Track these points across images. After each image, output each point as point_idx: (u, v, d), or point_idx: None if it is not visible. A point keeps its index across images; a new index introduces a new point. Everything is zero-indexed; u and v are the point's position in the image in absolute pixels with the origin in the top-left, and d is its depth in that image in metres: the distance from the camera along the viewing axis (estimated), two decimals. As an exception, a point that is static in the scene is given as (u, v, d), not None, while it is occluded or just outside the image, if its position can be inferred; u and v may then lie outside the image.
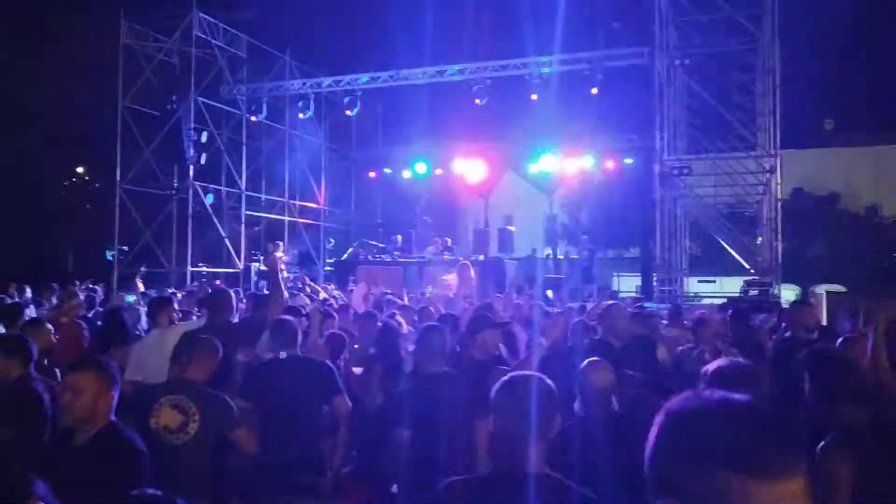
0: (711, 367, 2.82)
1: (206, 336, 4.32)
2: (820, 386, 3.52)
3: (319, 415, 4.57)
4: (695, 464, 1.08)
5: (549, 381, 2.38)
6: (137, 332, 7.09)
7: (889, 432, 3.02)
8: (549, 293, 14.23)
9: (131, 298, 9.24)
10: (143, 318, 7.97)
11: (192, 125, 18.25)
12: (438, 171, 21.98)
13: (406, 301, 11.01)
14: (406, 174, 22.36)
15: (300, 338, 4.83)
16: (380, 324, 6.34)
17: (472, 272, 12.46)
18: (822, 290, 21.25)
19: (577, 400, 3.65)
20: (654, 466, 1.14)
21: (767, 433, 1.11)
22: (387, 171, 22.64)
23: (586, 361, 3.81)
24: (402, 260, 18.20)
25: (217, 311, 5.37)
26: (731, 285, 17.76)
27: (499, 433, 2.32)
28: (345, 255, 21.16)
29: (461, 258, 17.40)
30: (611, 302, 6.57)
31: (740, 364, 2.87)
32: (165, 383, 4.16)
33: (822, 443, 3.41)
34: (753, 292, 15.54)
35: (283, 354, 4.59)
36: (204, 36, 18.62)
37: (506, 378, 2.41)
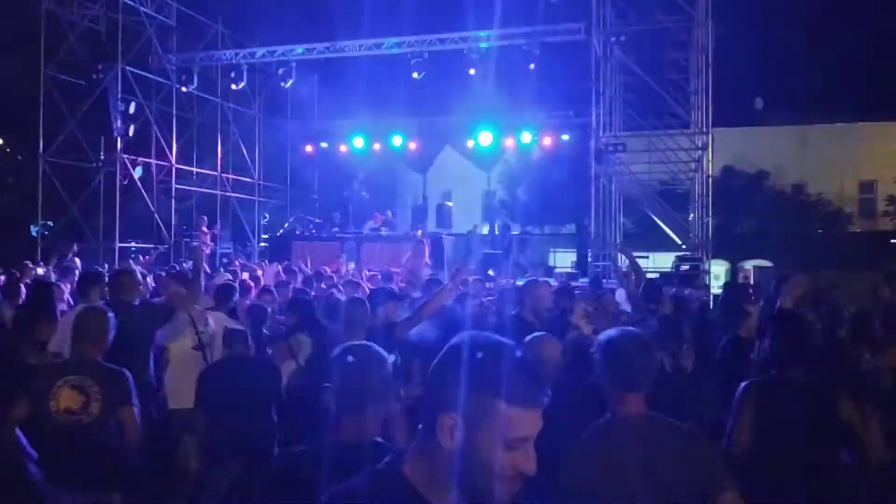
0: (603, 336, 2.90)
1: (96, 309, 4.16)
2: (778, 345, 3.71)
3: None
4: (474, 389, 1.46)
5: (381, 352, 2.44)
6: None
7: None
8: (491, 271, 14.26)
9: (41, 271, 9.04)
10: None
11: (120, 95, 17.62)
12: (376, 146, 21.75)
13: (343, 276, 10.99)
14: (343, 148, 22.07)
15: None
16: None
17: (427, 248, 12.49)
18: (750, 264, 21.97)
19: None
20: (444, 388, 1.50)
21: (524, 374, 1.49)
22: (323, 145, 22.29)
23: (531, 336, 3.86)
24: (339, 235, 18.02)
25: (118, 290, 5.27)
26: (665, 260, 18.09)
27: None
28: (280, 231, 20.88)
29: (418, 233, 17.39)
30: (532, 279, 6.68)
31: (629, 332, 2.96)
32: (63, 364, 3.97)
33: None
34: (685, 267, 15.86)
35: None
36: (131, 2, 17.92)
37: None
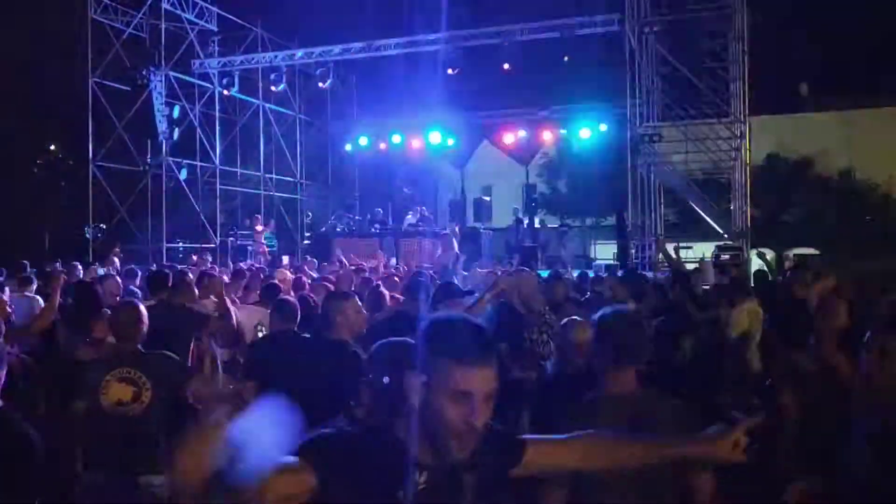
0: (596, 314, 2.97)
1: (126, 304, 4.36)
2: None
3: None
4: (433, 352, 1.74)
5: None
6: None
7: None
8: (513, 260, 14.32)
9: (101, 271, 9.36)
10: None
11: (164, 100, 18.11)
12: (415, 143, 21.94)
13: (382, 272, 11.16)
14: (382, 146, 22.31)
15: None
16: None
17: (456, 242, 12.60)
18: (794, 253, 21.61)
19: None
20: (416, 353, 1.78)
21: (469, 337, 1.74)
22: (363, 143, 22.56)
23: (567, 319, 4.01)
24: (377, 231, 18.25)
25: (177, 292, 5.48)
26: (707, 250, 17.93)
27: None
28: (323, 228, 21.21)
29: (446, 229, 17.55)
30: (520, 269, 6.79)
31: (621, 309, 3.10)
32: (107, 359, 4.12)
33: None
34: (725, 257, 15.73)
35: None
36: (173, 9, 18.40)
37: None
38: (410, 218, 18.50)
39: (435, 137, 21.34)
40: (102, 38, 18.36)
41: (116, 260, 13.25)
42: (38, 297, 7.65)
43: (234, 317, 5.93)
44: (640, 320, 3.00)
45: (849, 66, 25.71)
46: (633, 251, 16.94)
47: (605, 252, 24.08)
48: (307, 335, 4.80)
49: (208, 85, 19.90)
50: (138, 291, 7.48)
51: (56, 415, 4.21)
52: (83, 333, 5.49)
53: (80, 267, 10.33)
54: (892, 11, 22.08)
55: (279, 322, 4.83)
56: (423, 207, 19.36)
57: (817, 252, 23.32)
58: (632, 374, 2.78)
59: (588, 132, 20.24)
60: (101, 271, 9.56)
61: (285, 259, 17.25)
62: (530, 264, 14.03)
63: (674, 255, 8.15)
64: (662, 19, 15.95)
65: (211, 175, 19.91)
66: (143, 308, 4.16)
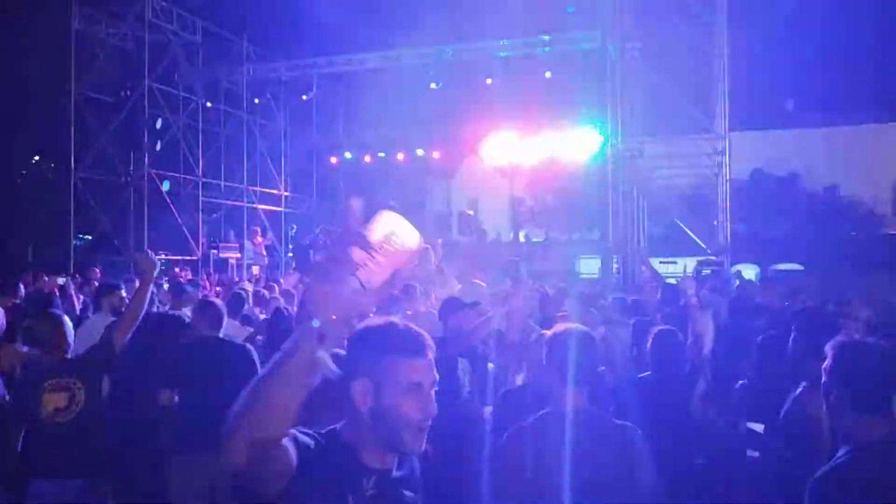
0: (550, 332, 3.03)
1: (46, 313, 4.36)
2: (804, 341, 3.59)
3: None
4: (378, 353, 1.81)
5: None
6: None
7: None
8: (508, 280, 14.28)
9: (61, 281, 9.36)
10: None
11: (148, 111, 18.06)
12: (401, 156, 21.93)
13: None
14: (368, 159, 22.29)
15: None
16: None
17: (433, 256, 12.48)
18: (780, 268, 21.65)
19: None
20: (354, 360, 1.84)
21: (407, 334, 1.85)
22: (348, 155, 22.54)
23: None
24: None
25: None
26: (691, 266, 17.94)
27: None
28: (307, 241, 21.12)
29: (434, 242, 17.46)
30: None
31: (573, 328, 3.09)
32: (40, 374, 4.11)
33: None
34: (706, 272, 15.75)
35: None
36: (158, 21, 18.37)
37: None
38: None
39: (420, 150, 21.34)
40: (86, 50, 18.31)
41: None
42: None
43: None
44: (592, 339, 2.99)
45: (834, 82, 25.86)
46: (617, 266, 16.94)
47: (590, 266, 24.08)
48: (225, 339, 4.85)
49: (192, 97, 19.86)
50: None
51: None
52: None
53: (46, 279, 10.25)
54: (877, 28, 22.26)
55: (203, 327, 4.77)
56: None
57: (801, 268, 23.37)
58: (582, 392, 2.79)
59: (573, 147, 20.25)
60: (59, 281, 9.53)
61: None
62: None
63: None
64: (645, 35, 16.02)
65: (194, 187, 19.83)
66: (64, 318, 4.18)
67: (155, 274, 4.53)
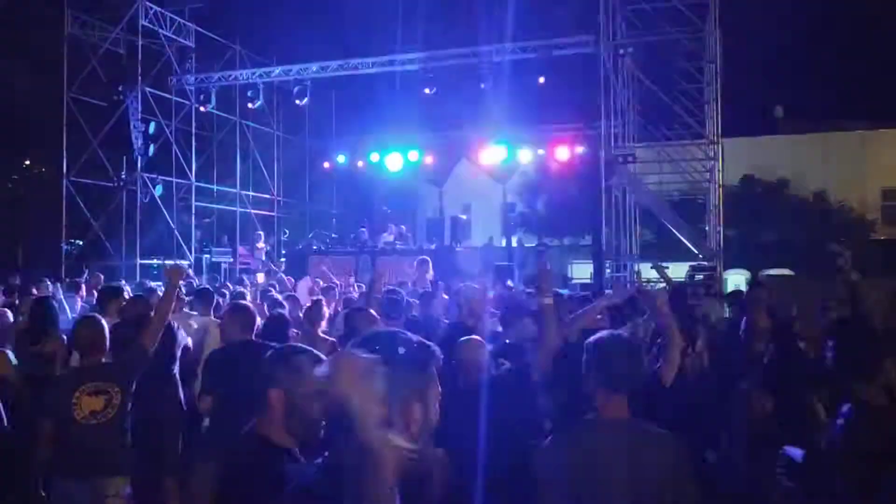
0: (592, 338, 2.99)
1: (89, 317, 4.41)
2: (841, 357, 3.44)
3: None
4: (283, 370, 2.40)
5: None
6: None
7: None
8: (510, 282, 14.36)
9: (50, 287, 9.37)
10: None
11: (140, 116, 18.03)
12: (393, 161, 21.94)
13: (355, 290, 11.14)
14: (360, 164, 22.30)
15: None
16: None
17: (430, 268, 12.60)
18: (770, 274, 21.78)
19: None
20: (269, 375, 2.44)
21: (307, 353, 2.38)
22: (341, 160, 22.55)
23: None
24: (353, 250, 18.19)
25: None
26: (682, 271, 18.04)
27: None
28: (300, 246, 21.12)
29: (422, 253, 17.50)
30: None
31: (617, 335, 3.08)
32: (74, 375, 4.19)
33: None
34: (698, 277, 15.83)
35: None
36: (150, 25, 18.36)
37: None
38: (387, 236, 18.46)
39: (413, 155, 21.35)
40: (79, 54, 18.28)
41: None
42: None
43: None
44: (638, 347, 3.00)
45: (823, 88, 26.09)
46: (609, 271, 17.00)
47: (581, 272, 24.15)
48: (266, 342, 4.83)
49: (185, 101, 19.84)
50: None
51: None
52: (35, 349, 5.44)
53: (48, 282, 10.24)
54: (867, 35, 22.49)
55: (235, 331, 4.79)
56: (403, 226, 19.34)
57: (791, 273, 23.51)
58: (624, 400, 2.80)
59: (565, 152, 20.34)
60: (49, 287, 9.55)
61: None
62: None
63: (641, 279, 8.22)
64: (637, 41, 16.11)
65: (186, 191, 19.81)
66: (104, 322, 4.25)
67: (179, 281, 4.68)
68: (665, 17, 16.02)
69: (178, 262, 5.35)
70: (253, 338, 4.87)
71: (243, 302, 5.63)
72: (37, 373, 5.17)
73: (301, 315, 7.32)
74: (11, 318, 7.33)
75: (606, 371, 2.78)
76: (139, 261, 18.03)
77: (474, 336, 4.30)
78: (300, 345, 2.65)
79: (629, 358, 2.84)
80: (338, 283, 11.88)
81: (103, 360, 4.25)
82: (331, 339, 6.36)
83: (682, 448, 2.75)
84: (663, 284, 8.46)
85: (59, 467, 3.96)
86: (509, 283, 14.80)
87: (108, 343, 4.29)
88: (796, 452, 3.89)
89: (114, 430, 4.04)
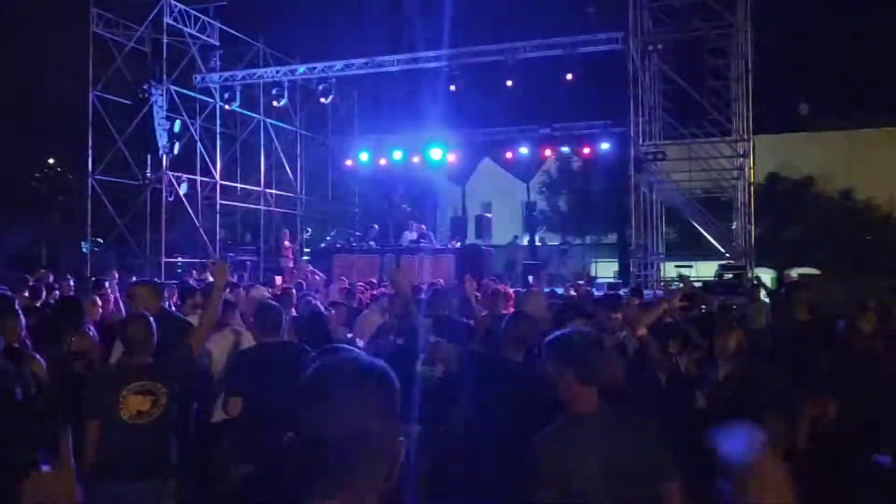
0: (554, 334, 3.04)
1: (139, 315, 4.33)
2: None
3: None
4: None
5: None
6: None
7: None
8: (531, 278, 14.28)
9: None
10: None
11: (165, 114, 18.05)
12: (415, 159, 21.87)
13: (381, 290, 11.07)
14: (383, 162, 22.25)
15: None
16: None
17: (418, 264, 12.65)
18: (796, 272, 21.56)
19: None
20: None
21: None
22: (363, 158, 22.50)
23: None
24: (377, 248, 18.13)
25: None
26: (708, 269, 17.86)
27: None
28: (323, 244, 21.10)
29: (446, 252, 17.46)
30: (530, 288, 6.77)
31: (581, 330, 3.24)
32: (121, 374, 4.11)
33: None
34: (728, 276, 15.67)
35: None
36: (175, 23, 18.38)
37: None
38: (410, 234, 18.39)
39: (436, 154, 21.25)
40: (104, 52, 18.32)
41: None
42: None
43: None
44: (601, 340, 3.01)
45: (850, 85, 25.79)
46: (635, 270, 16.85)
47: (605, 270, 24.02)
48: (294, 344, 4.77)
49: (209, 99, 19.84)
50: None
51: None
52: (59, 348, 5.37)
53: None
54: (892, 32, 22.19)
55: (262, 333, 4.71)
56: (423, 225, 19.27)
57: (818, 272, 23.28)
58: (594, 392, 2.81)
59: (589, 150, 20.20)
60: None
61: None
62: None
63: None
64: (665, 37, 15.95)
65: (211, 190, 19.81)
66: (151, 320, 4.16)
67: (225, 281, 4.60)
68: (693, 12, 15.87)
69: (218, 259, 5.16)
70: (285, 338, 4.79)
71: (271, 301, 5.54)
72: (67, 371, 5.10)
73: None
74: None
75: (579, 365, 2.79)
76: (164, 259, 18.04)
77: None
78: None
79: (598, 351, 2.91)
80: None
81: (149, 359, 4.17)
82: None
83: (655, 433, 2.80)
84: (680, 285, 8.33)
85: (108, 469, 3.89)
86: (530, 278, 14.72)
87: (154, 343, 4.22)
88: (885, 459, 3.79)
89: (161, 431, 3.98)
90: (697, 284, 13.43)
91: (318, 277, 13.87)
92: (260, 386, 4.31)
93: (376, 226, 19.35)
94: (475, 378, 3.85)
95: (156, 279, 12.61)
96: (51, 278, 10.57)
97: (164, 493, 3.91)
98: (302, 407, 1.35)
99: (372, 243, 18.50)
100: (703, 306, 7.87)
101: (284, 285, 11.29)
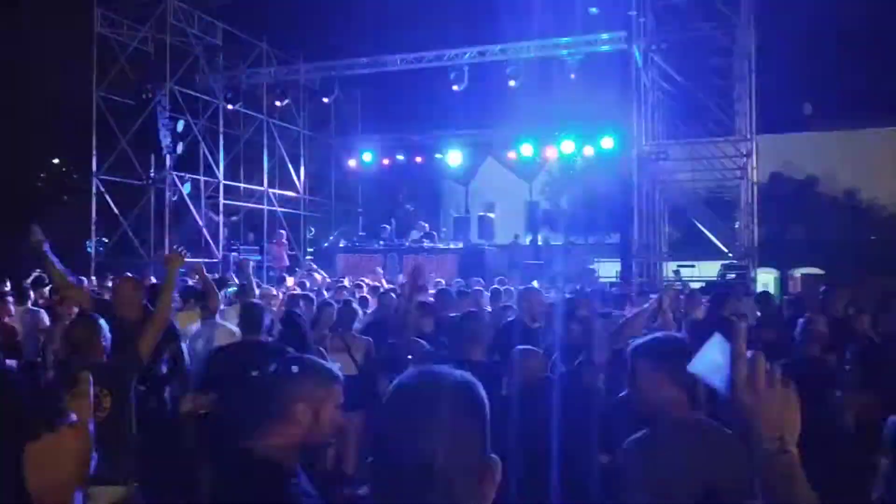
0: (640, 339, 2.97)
1: (85, 316, 4.28)
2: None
3: None
4: None
5: None
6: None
7: None
8: (535, 283, 14.26)
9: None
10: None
11: (168, 114, 18.08)
12: (419, 159, 21.90)
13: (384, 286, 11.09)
14: (386, 161, 22.28)
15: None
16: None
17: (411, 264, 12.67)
18: (799, 273, 21.51)
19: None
20: None
21: None
22: (366, 158, 22.52)
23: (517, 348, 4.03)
24: (380, 248, 18.17)
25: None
26: (711, 269, 17.84)
27: None
28: (326, 244, 21.15)
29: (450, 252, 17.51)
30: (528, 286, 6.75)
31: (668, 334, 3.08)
32: (65, 378, 4.05)
33: None
34: (731, 276, 15.65)
35: None
36: (178, 23, 18.41)
37: None
38: (414, 234, 18.42)
39: (439, 154, 21.30)
40: (108, 53, 18.37)
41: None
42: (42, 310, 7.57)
43: None
44: (688, 345, 2.94)
45: (854, 85, 25.70)
46: (637, 270, 16.83)
47: (607, 270, 23.97)
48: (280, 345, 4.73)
49: (213, 99, 19.87)
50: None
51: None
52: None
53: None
54: (897, 31, 22.10)
55: (243, 331, 4.67)
56: (427, 224, 19.30)
57: (821, 272, 23.21)
58: (684, 398, 2.74)
59: (592, 150, 20.20)
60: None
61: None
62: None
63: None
64: (668, 37, 15.93)
65: (214, 189, 19.84)
66: (101, 322, 4.09)
67: (177, 272, 4.49)
68: (696, 11, 15.84)
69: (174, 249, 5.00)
70: (264, 338, 4.74)
71: (254, 300, 5.49)
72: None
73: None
74: (48, 321, 7.34)
75: (676, 369, 2.67)
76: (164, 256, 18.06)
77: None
78: (317, 359, 2.45)
79: (688, 356, 2.81)
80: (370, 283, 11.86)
81: (99, 361, 4.01)
82: (368, 339, 6.28)
83: (744, 445, 2.70)
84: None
85: None
86: (535, 283, 14.71)
87: (104, 344, 4.12)
88: None
89: (105, 435, 3.86)
90: (698, 285, 13.43)
91: (320, 276, 13.91)
92: (226, 384, 4.29)
93: (387, 226, 19.32)
94: None
95: (152, 278, 12.66)
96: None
97: (120, 498, 3.82)
98: (381, 429, 1.25)
99: (381, 243, 18.55)
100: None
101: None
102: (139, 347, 4.17)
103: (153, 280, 12.28)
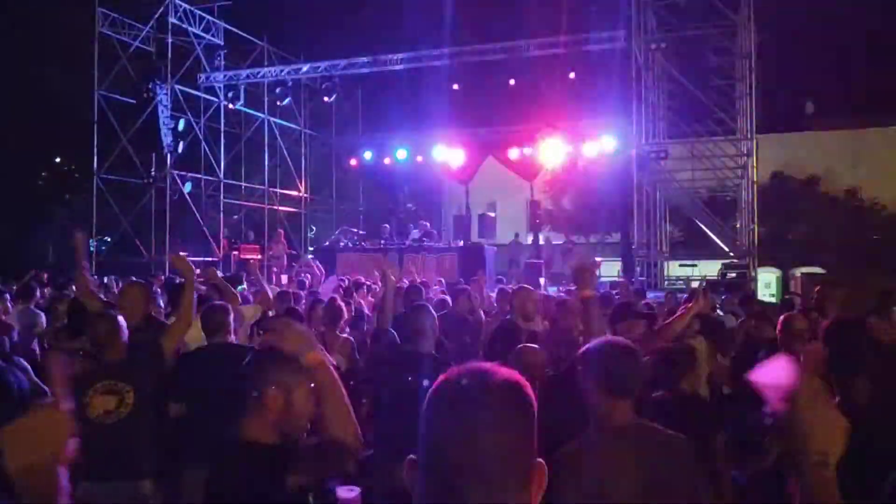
0: (589, 344, 2.86)
1: (102, 313, 4.26)
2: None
3: None
4: None
5: None
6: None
7: None
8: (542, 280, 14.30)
9: None
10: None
11: (170, 113, 18.12)
12: (419, 158, 21.87)
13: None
14: (387, 161, 22.26)
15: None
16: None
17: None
18: (800, 272, 21.47)
19: None
20: None
21: None
22: (367, 157, 22.52)
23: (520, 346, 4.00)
24: (381, 247, 18.16)
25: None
26: (712, 269, 17.83)
27: None
28: (327, 243, 21.13)
29: (450, 250, 17.50)
30: (520, 285, 6.69)
31: (616, 339, 2.96)
32: (89, 373, 4.04)
33: None
34: (731, 275, 15.65)
35: None
36: (180, 23, 18.44)
37: None
38: (415, 233, 18.40)
39: (439, 153, 21.26)
40: (109, 52, 18.42)
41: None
42: (40, 312, 7.57)
43: None
44: (637, 350, 2.86)
45: (855, 84, 25.68)
46: (638, 269, 16.85)
47: (609, 269, 23.96)
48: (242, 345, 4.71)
49: (214, 98, 19.91)
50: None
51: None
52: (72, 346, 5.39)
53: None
54: (898, 30, 22.10)
55: (208, 333, 4.64)
56: (427, 223, 19.28)
57: (823, 271, 23.18)
58: (628, 404, 2.66)
59: (593, 149, 20.16)
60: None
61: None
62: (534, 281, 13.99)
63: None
64: (669, 36, 15.94)
65: (215, 188, 19.88)
66: (120, 318, 4.10)
67: (191, 274, 4.48)
68: (696, 10, 15.84)
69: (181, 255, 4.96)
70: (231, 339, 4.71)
71: (219, 302, 5.43)
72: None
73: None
74: (44, 322, 7.34)
75: (609, 376, 2.63)
76: (168, 257, 18.10)
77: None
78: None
79: (631, 360, 2.70)
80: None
81: (120, 358, 4.00)
82: (348, 337, 6.27)
83: (692, 448, 2.64)
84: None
85: (78, 469, 3.84)
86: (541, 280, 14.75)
87: (123, 340, 4.12)
88: None
89: (130, 431, 3.83)
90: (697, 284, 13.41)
91: (318, 272, 13.92)
92: (196, 388, 4.29)
93: (387, 226, 19.31)
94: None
95: (162, 276, 12.70)
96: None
97: (137, 494, 3.82)
98: (429, 429, 1.20)
99: (383, 242, 18.54)
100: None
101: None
102: (164, 345, 4.17)
103: (162, 278, 12.38)
